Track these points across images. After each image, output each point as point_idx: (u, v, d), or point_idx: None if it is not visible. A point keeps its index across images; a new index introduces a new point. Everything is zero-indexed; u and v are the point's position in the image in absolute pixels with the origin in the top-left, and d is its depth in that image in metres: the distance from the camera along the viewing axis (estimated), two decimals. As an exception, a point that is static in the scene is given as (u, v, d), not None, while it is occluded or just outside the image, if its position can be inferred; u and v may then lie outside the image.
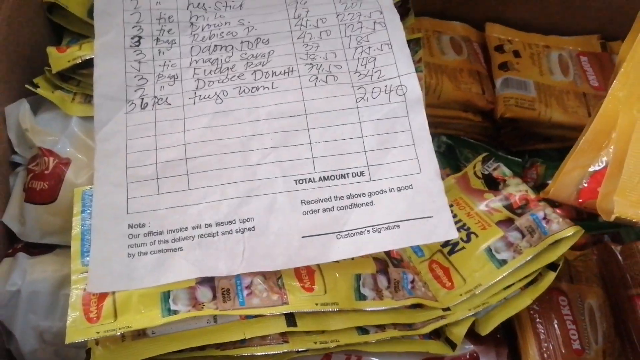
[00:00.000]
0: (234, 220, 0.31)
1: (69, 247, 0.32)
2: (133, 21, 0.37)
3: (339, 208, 0.32)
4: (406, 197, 0.32)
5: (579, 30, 0.58)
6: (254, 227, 0.31)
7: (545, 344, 0.38)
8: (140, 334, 0.29)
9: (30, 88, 0.37)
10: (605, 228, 0.54)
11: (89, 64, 0.36)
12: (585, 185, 0.35)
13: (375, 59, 0.36)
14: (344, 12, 0.38)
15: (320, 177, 0.33)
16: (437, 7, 0.57)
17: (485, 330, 0.35)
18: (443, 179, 0.33)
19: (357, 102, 0.34)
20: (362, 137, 0.34)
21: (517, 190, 0.39)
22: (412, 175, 0.33)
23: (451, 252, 0.37)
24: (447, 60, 0.54)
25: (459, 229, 0.37)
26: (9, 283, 0.33)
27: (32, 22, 0.40)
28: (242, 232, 0.31)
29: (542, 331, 0.39)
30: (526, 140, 0.56)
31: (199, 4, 0.38)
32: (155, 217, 0.31)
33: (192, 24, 0.37)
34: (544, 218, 0.36)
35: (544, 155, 0.56)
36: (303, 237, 0.31)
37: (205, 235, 0.31)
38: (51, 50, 0.37)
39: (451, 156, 0.54)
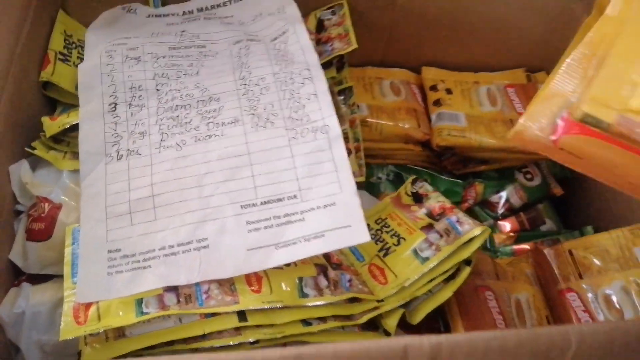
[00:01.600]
0: (192, 240, 0.39)
1: (63, 276, 0.39)
2: (110, 92, 0.46)
3: (277, 225, 0.40)
4: (330, 212, 0.40)
5: (506, 66, 0.66)
6: (208, 245, 0.39)
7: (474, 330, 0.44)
8: (120, 334, 0.36)
9: (29, 150, 0.45)
10: (547, 236, 0.61)
11: (75, 128, 0.44)
12: (566, 115, 0.29)
13: (304, 107, 0.44)
14: (279, 72, 0.47)
15: (261, 202, 0.40)
16: (378, 56, 0.66)
17: (415, 319, 0.41)
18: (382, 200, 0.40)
19: (289, 141, 0.43)
20: (295, 167, 0.42)
21: (436, 201, 0.47)
22: (335, 194, 0.40)
23: (385, 255, 0.44)
24: (387, 102, 0.62)
25: (391, 236, 0.45)
26: (15, 307, 0.41)
27: (29, 96, 0.48)
28: (199, 250, 0.39)
29: (471, 320, 0.44)
30: (466, 164, 0.64)
31: (163, 74, 0.47)
32: (129, 243, 0.39)
33: (157, 90, 0.46)
34: (457, 221, 0.44)
35: (484, 176, 0.64)
36: (248, 249, 0.39)
37: (169, 254, 0.38)
38: (45, 119, 0.46)
39: (399, 182, 0.61)
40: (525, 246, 0.59)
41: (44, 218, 0.42)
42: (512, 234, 0.62)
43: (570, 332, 0.35)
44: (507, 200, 0.62)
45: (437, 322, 0.47)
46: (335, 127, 0.43)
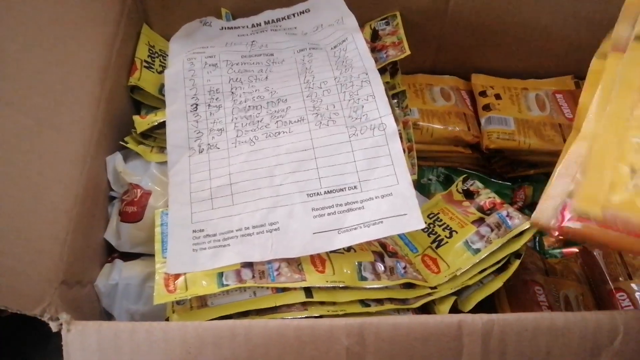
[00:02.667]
0: (265, 223, 0.44)
1: (151, 255, 0.45)
2: (192, 94, 0.52)
3: (339, 212, 0.44)
4: (387, 201, 0.44)
5: (553, 74, 0.69)
6: (278, 227, 0.44)
7: None
8: (203, 304, 0.41)
9: (123, 144, 0.52)
10: None
11: (162, 125, 0.50)
12: (565, 210, 0.36)
13: (363, 107, 0.49)
14: (339, 76, 0.52)
15: (325, 191, 0.45)
16: (428, 64, 0.70)
17: (467, 307, 0.44)
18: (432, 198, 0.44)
19: (350, 138, 0.47)
20: (355, 161, 0.46)
21: (487, 197, 0.50)
22: (392, 186, 0.45)
23: (438, 246, 0.47)
24: (437, 106, 0.66)
25: (443, 229, 0.48)
26: (110, 279, 0.46)
27: (121, 99, 0.55)
28: (271, 232, 0.44)
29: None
30: (515, 167, 0.67)
31: (236, 79, 0.53)
32: (211, 224, 0.44)
33: (232, 92, 0.52)
34: (507, 215, 0.47)
35: (533, 179, 0.66)
36: (314, 233, 0.43)
37: (245, 235, 0.44)
38: (136, 118, 0.52)
39: (448, 184, 0.64)
40: (574, 249, 0.61)
41: (136, 202, 0.48)
42: (560, 237, 0.64)
43: (618, 317, 0.37)
44: (554, 203, 0.64)
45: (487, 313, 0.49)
46: (391, 125, 0.47)
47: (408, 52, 0.55)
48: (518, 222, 0.46)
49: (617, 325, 0.38)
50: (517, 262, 0.45)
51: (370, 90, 0.50)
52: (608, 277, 0.53)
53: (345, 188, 0.45)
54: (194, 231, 0.44)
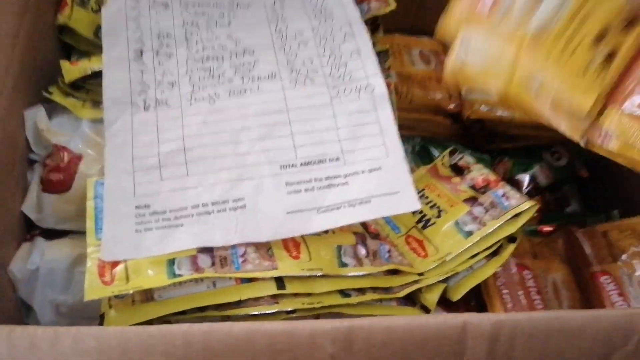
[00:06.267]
0: (228, 200, 0.36)
1: (81, 232, 0.36)
2: (136, 37, 0.42)
3: (318, 188, 0.37)
4: (376, 177, 0.37)
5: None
6: (244, 205, 0.36)
7: (512, 311, 0.42)
8: (148, 298, 0.33)
9: (47, 95, 0.42)
10: (572, 217, 0.59)
11: (97, 75, 0.41)
12: None
13: (346, 64, 0.42)
14: (318, 27, 0.44)
15: (301, 163, 0.38)
16: (407, 24, 0.63)
17: (456, 296, 0.39)
18: (414, 172, 0.39)
19: (331, 100, 0.40)
20: (337, 128, 0.39)
21: (479, 174, 0.44)
22: (380, 159, 0.38)
23: (425, 227, 0.41)
24: (417, 70, 0.59)
25: (430, 208, 0.42)
26: (29, 262, 0.37)
27: (46, 39, 0.45)
28: (235, 210, 0.36)
29: (509, 300, 0.43)
30: (493, 139, 0.62)
31: (192, 22, 0.44)
32: (159, 199, 0.36)
33: (187, 38, 0.43)
34: (504, 195, 0.41)
35: (511, 153, 0.62)
36: (288, 212, 0.36)
37: (203, 213, 0.36)
38: (64, 64, 0.42)
39: (425, 155, 0.59)
40: (549, 228, 0.58)
41: (63, 168, 0.39)
42: (536, 214, 0.60)
43: (636, 317, 0.33)
44: (533, 179, 0.60)
45: (471, 300, 0.45)
46: (380, 87, 0.40)
47: (393, 6, 0.48)
48: (515, 202, 0.41)
49: (634, 325, 0.34)
50: (511, 247, 0.41)
51: (355, 46, 0.42)
52: (592, 259, 0.49)
53: (325, 159, 0.38)
54: (138, 207, 0.36)
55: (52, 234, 0.40)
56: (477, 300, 0.44)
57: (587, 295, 0.48)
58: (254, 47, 0.43)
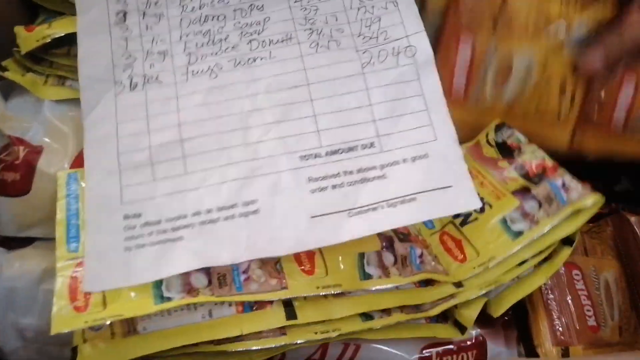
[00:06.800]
0: (236, 203, 0.29)
1: (49, 239, 0.30)
2: (117, -5, 0.34)
3: (349, 184, 0.29)
4: (422, 167, 0.29)
5: None
6: (258, 209, 0.29)
7: (559, 322, 0.36)
8: (131, 330, 0.27)
9: None
10: (622, 196, 0.50)
11: (61, 42, 0.33)
12: None
13: (380, 19, 0.33)
14: (343, -31, 0.34)
15: (327, 152, 0.30)
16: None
17: (498, 311, 0.33)
18: None
19: (362, 68, 0.31)
20: (371, 105, 0.31)
21: (533, 157, 0.36)
22: (427, 143, 0.30)
23: (463, 224, 0.34)
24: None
25: None
26: (-15, 279, 0.31)
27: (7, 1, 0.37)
28: (246, 216, 0.29)
29: (555, 308, 0.37)
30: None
31: (186, -29, 0.35)
32: (152, 205, 0.29)
33: (180, -6, 0.34)
34: (563, 186, 0.33)
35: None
36: (312, 217, 0.29)
37: (207, 222, 0.28)
38: (19, 30, 0.34)
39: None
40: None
41: (19, 166, 0.31)
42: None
43: None
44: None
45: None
46: (425, 48, 0.32)
47: None
48: (576, 195, 0.33)
49: None
50: (566, 251, 0.34)
51: (391, -9, 0.33)
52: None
53: (357, 147, 0.30)
54: (126, 217, 0.29)
55: (14, 242, 0.33)
56: (515, 309, 0.36)
57: (639, 293, 0.41)
58: (263, 1, 0.34)
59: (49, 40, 0.33)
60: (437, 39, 0.36)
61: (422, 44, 0.32)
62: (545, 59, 0.37)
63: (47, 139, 0.33)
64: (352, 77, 0.31)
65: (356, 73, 0.31)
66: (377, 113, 0.31)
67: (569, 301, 0.37)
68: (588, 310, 0.37)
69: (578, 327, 0.36)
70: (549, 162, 0.35)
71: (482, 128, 0.38)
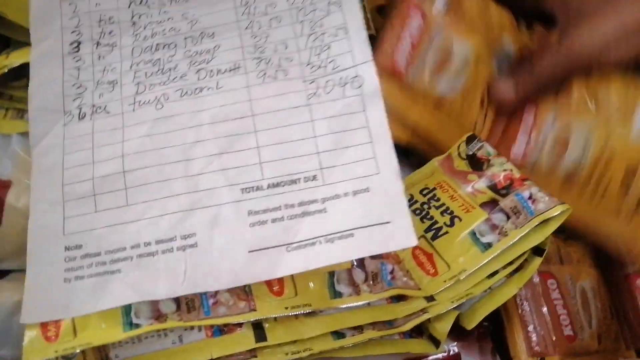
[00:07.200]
0: (175, 237, 0.29)
1: (23, 270, 0.30)
2: (72, 26, 0.34)
3: (289, 217, 0.29)
4: (362, 201, 0.29)
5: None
6: (196, 243, 0.29)
7: (534, 332, 0.36)
8: (104, 358, 0.28)
9: None
10: None
11: (20, 74, 0.33)
12: None
13: (329, 47, 0.32)
14: (296, -5, 0.34)
15: (269, 184, 0.30)
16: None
17: (471, 324, 0.33)
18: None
19: (308, 99, 0.31)
20: (315, 137, 0.31)
21: (501, 169, 0.36)
22: (369, 176, 0.30)
23: (434, 237, 0.34)
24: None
25: (442, 214, 0.34)
26: (-38, 312, 0.32)
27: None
28: (184, 250, 0.29)
29: (531, 319, 0.37)
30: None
31: (141, 1, 0.35)
32: (93, 237, 0.29)
33: (134, 23, 0.34)
34: (530, 197, 0.34)
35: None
36: (250, 251, 0.29)
37: (145, 255, 0.29)
38: None
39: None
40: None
41: None
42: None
43: None
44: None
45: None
46: (371, 80, 0.31)
47: None
48: (543, 206, 0.33)
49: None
50: (537, 261, 0.34)
51: (342, 19, 0.33)
52: (626, 258, 0.42)
53: (299, 179, 0.30)
54: (68, 248, 0.29)
55: None
56: (490, 320, 0.37)
57: (620, 298, 0.41)
58: (215, 28, 0.34)
59: (5, 70, 0.34)
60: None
61: (369, 74, 0.31)
62: (479, 58, 0.38)
63: (16, 173, 0.33)
64: (298, 109, 0.31)
65: (302, 104, 0.31)
66: (322, 145, 0.30)
67: (544, 311, 0.37)
68: (564, 320, 0.37)
69: (554, 338, 0.36)
70: (516, 174, 0.35)
71: (409, 112, 0.37)
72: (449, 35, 0.37)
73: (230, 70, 0.32)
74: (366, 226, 0.29)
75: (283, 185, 0.30)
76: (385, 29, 0.37)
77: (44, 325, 0.27)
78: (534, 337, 0.36)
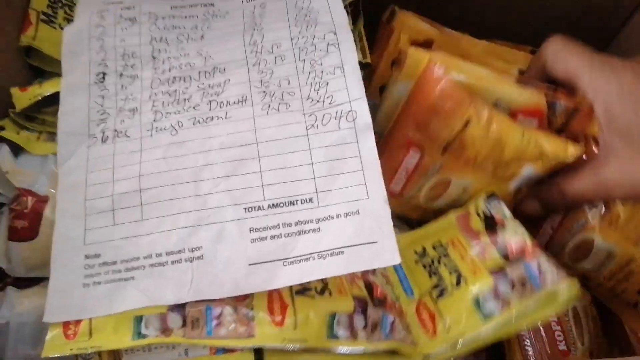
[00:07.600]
0: (183, 249, 0.32)
1: None
2: (99, 59, 0.38)
3: (286, 235, 0.33)
4: (353, 222, 0.32)
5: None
6: (202, 255, 0.32)
7: (530, 347, 0.38)
8: None
9: None
10: None
11: (52, 101, 0.37)
12: None
13: (327, 84, 0.36)
14: (298, 36, 0.38)
15: (269, 205, 0.33)
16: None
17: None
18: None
19: (307, 130, 0.35)
20: (312, 163, 0.34)
21: (514, 234, 0.36)
22: (360, 200, 0.33)
23: (440, 296, 0.35)
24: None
25: (450, 273, 0.36)
26: (-1, 315, 0.35)
27: (10, 64, 0.41)
28: (191, 261, 0.32)
29: (527, 333, 0.39)
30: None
31: (161, 38, 0.39)
32: (110, 247, 0.32)
33: (154, 57, 0.39)
34: (538, 269, 0.34)
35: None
36: (250, 264, 0.32)
37: (156, 265, 0.32)
38: (14, 90, 0.38)
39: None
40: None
41: (27, 214, 0.35)
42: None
43: None
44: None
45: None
46: (364, 114, 0.35)
47: None
48: (551, 279, 0.34)
49: None
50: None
51: (339, 59, 0.37)
52: None
53: (297, 201, 0.33)
54: (87, 256, 0.32)
55: (25, 281, 0.37)
56: None
57: (610, 317, 0.42)
58: (226, 64, 0.38)
59: (39, 98, 0.37)
60: (385, 140, 0.39)
61: (362, 109, 0.35)
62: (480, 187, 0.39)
63: (52, 190, 0.36)
64: (297, 138, 0.35)
65: (301, 134, 0.35)
66: (318, 171, 0.34)
67: (540, 327, 0.39)
68: (559, 336, 0.39)
69: (549, 351, 0.38)
70: (529, 242, 0.35)
71: (412, 214, 0.41)
72: (446, 173, 0.39)
73: (238, 102, 0.36)
74: (356, 245, 0.32)
75: (282, 206, 0.33)
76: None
77: (65, 325, 0.31)
78: (530, 351, 0.38)
